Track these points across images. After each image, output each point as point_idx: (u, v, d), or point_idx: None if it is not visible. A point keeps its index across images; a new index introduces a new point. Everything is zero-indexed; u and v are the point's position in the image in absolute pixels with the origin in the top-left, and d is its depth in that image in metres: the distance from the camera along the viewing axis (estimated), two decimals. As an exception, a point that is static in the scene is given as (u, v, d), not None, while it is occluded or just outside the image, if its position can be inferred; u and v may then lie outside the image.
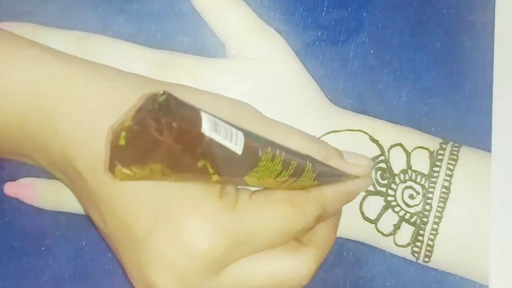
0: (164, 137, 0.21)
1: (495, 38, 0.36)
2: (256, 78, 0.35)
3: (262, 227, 0.28)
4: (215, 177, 0.24)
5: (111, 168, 0.22)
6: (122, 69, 0.34)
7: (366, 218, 0.34)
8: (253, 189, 0.29)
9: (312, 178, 0.29)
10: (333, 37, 0.37)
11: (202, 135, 0.22)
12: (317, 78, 0.36)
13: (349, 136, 0.35)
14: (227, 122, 0.24)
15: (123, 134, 0.22)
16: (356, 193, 0.33)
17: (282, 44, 0.36)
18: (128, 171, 0.22)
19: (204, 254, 0.27)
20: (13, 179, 0.35)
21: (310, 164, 0.29)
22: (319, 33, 0.37)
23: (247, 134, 0.25)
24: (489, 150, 0.35)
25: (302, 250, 0.30)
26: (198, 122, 0.22)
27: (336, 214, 0.33)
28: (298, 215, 0.29)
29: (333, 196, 0.31)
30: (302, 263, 0.30)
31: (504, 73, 0.36)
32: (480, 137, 0.35)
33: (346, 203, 0.33)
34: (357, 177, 0.33)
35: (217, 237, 0.27)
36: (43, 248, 0.36)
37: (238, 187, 0.29)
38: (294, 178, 0.28)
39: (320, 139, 0.33)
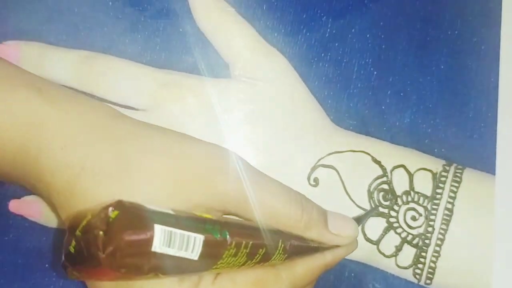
0: (106, 260, 0.22)
1: (500, 59, 0.36)
2: (259, 98, 0.35)
3: None
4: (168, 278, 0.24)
5: (64, 266, 0.23)
6: (127, 90, 0.35)
7: (368, 239, 0.34)
8: None
9: (283, 258, 0.29)
10: (337, 58, 0.37)
11: (152, 253, 0.22)
12: (320, 99, 0.36)
13: (352, 157, 0.35)
14: (187, 221, 0.24)
15: (73, 243, 0.23)
16: (335, 263, 0.32)
17: (285, 64, 0.36)
18: (77, 274, 0.23)
19: None
20: (18, 196, 0.36)
21: (283, 245, 0.28)
22: (323, 54, 0.37)
23: (210, 233, 0.24)
24: (493, 173, 0.35)
25: None
26: (149, 239, 0.22)
27: (310, 284, 0.32)
28: None
29: (306, 271, 0.30)
30: None
31: (509, 95, 0.35)
32: (484, 160, 0.35)
33: (322, 273, 0.32)
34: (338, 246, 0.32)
35: None
36: (47, 265, 0.36)
37: None
38: (262, 262, 0.28)
39: (308, 199, 0.31)
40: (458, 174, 0.34)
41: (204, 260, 0.25)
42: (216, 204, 0.28)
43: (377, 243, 0.34)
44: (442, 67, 0.36)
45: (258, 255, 0.27)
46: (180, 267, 0.24)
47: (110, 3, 0.36)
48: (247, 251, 0.26)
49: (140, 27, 0.36)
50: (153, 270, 0.23)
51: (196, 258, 0.24)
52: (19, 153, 0.29)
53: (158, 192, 0.27)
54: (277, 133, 0.34)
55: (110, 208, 0.22)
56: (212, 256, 0.25)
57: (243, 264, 0.27)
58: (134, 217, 0.22)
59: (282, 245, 0.28)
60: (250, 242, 0.26)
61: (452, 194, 0.34)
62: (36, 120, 0.29)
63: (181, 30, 0.36)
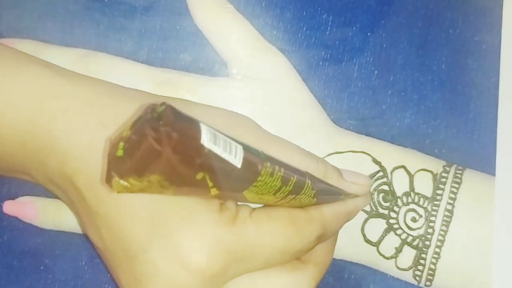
0: (162, 147, 0.21)
1: (501, 59, 0.36)
2: (258, 97, 0.35)
3: (261, 245, 0.28)
4: (213, 191, 0.23)
5: (108, 180, 0.22)
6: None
7: (367, 241, 0.34)
8: (254, 206, 0.29)
9: (312, 195, 0.29)
10: (337, 57, 0.36)
11: (202, 147, 0.22)
12: (320, 98, 0.36)
13: (352, 157, 0.35)
14: (226, 135, 0.23)
15: (121, 144, 0.22)
16: (355, 212, 0.33)
17: (285, 63, 0.35)
18: (125, 183, 0.22)
19: (201, 269, 0.26)
20: (13, 197, 0.35)
21: (310, 181, 0.29)
22: (323, 53, 0.36)
23: (247, 148, 0.24)
24: (493, 174, 0.35)
25: (301, 268, 0.30)
26: (197, 133, 0.22)
27: (335, 234, 0.32)
28: (298, 235, 0.28)
29: (333, 215, 0.31)
30: (302, 281, 0.29)
31: (509, 95, 0.35)
32: (484, 160, 0.35)
33: (346, 222, 0.32)
34: (356, 196, 0.33)
35: (214, 252, 0.27)
36: (42, 268, 0.36)
37: (238, 203, 0.29)
38: (294, 195, 0.28)
39: (321, 158, 0.33)
40: (459, 175, 0.34)
41: (246, 171, 0.24)
42: None
43: (377, 244, 0.34)
44: (443, 66, 0.36)
45: (291, 182, 0.27)
46: (226, 172, 0.23)
47: (106, 0, 0.36)
48: (281, 174, 0.26)
49: (136, 25, 0.36)
50: (203, 168, 0.22)
51: (239, 165, 0.23)
52: (29, 128, 0.28)
53: None
54: (276, 133, 0.34)
55: (158, 104, 0.22)
56: (252, 168, 0.24)
57: (278, 190, 0.26)
58: (180, 112, 0.22)
59: (309, 181, 0.28)
60: (282, 168, 0.26)
61: (453, 195, 0.34)
62: (49, 91, 0.28)
63: (178, 27, 0.36)
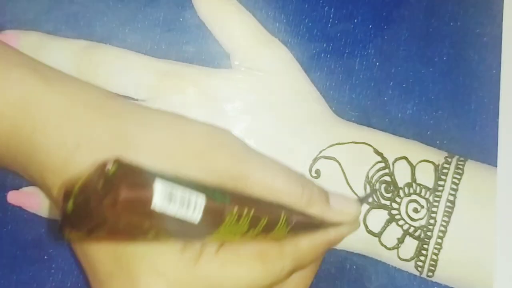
0: (107, 214, 0.21)
1: (502, 51, 0.36)
2: (260, 89, 0.35)
3: (226, 284, 0.27)
4: (169, 241, 0.24)
5: (60, 229, 0.22)
6: (127, 80, 0.34)
7: (369, 231, 0.34)
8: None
9: (286, 231, 0.28)
10: (339, 49, 0.36)
11: (152, 210, 0.22)
12: (322, 90, 0.36)
13: (354, 148, 0.35)
14: (186, 185, 0.23)
15: (71, 200, 0.22)
16: (339, 240, 0.32)
17: (287, 55, 0.35)
18: (74, 235, 0.22)
19: None
20: (17, 187, 0.35)
21: (286, 216, 0.28)
22: (325, 45, 0.36)
23: (211, 195, 0.24)
24: (495, 165, 0.34)
25: None
26: (148, 195, 0.22)
27: (315, 262, 0.32)
28: (267, 272, 0.28)
29: (310, 247, 0.30)
30: None
31: (511, 87, 0.35)
32: (486, 151, 0.35)
33: (327, 250, 0.32)
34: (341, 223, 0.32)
35: None
36: (46, 257, 0.36)
37: None
38: (265, 233, 0.27)
39: (308, 179, 0.32)
40: (460, 166, 0.34)
41: (206, 223, 0.24)
42: (215, 181, 0.28)
43: (378, 235, 0.34)
44: (444, 58, 0.36)
45: (260, 224, 0.26)
46: (182, 227, 0.23)
47: (110, -8, 0.36)
48: (249, 218, 0.26)
49: (140, 17, 0.36)
50: (153, 228, 0.22)
51: (197, 220, 0.23)
52: (13, 133, 0.29)
53: (156, 167, 0.27)
54: (278, 124, 0.34)
55: (109, 164, 0.22)
56: (214, 219, 0.24)
57: (246, 232, 0.26)
58: (133, 171, 0.22)
59: (285, 217, 0.28)
60: (252, 210, 0.26)
61: (454, 186, 0.34)
62: (30, 99, 0.28)
63: (181, 19, 0.36)
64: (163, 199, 0.22)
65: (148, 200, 0.22)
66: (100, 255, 0.27)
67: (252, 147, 0.31)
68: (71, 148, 0.28)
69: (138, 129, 0.28)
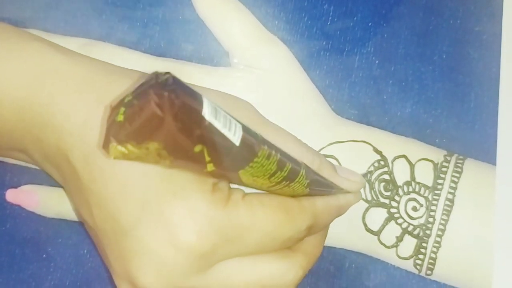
0: (164, 114, 0.20)
1: (502, 49, 0.36)
2: (259, 87, 0.35)
3: (252, 228, 0.27)
4: (210, 167, 0.23)
5: (105, 145, 0.21)
6: None
7: (368, 230, 0.34)
8: (247, 191, 0.29)
9: (305, 185, 0.29)
10: (338, 47, 0.36)
11: (202, 118, 0.21)
12: (321, 88, 0.36)
13: (353, 147, 0.35)
14: (227, 113, 0.23)
15: (122, 109, 0.21)
16: (346, 208, 0.33)
17: (286, 53, 0.35)
18: (123, 149, 0.21)
19: (190, 248, 0.26)
20: (15, 186, 0.35)
21: (304, 170, 0.28)
22: (324, 43, 0.36)
23: (245, 129, 0.24)
24: (494, 163, 0.34)
25: (290, 256, 0.29)
26: (199, 105, 0.22)
27: (325, 227, 0.32)
28: (289, 222, 0.28)
29: (324, 208, 0.31)
30: (290, 268, 0.29)
31: (510, 85, 0.35)
32: (485, 150, 0.35)
33: (337, 217, 0.32)
34: (348, 192, 0.33)
35: (205, 232, 0.26)
36: (44, 256, 0.36)
37: (232, 186, 0.29)
38: (288, 182, 0.28)
39: (316, 150, 0.33)
40: (459, 165, 0.34)
41: (243, 151, 0.24)
42: None
43: (377, 233, 0.34)
44: (444, 56, 0.36)
45: (286, 168, 0.27)
46: (224, 149, 0.23)
47: (108, -11, 0.36)
48: (277, 159, 0.26)
49: (138, 14, 0.36)
50: (202, 141, 0.22)
51: (237, 143, 0.23)
52: (28, 101, 0.28)
53: None
54: (277, 122, 0.34)
55: (162, 72, 0.21)
56: (250, 148, 0.24)
57: (273, 175, 0.26)
58: (183, 83, 0.22)
59: (304, 170, 0.28)
60: (279, 153, 0.26)
61: (453, 185, 0.34)
62: (49, 67, 0.28)
63: (180, 17, 0.36)
64: (211, 112, 0.22)
65: (199, 108, 0.21)
66: (126, 203, 0.27)
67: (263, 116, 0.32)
68: (93, 106, 0.28)
69: None
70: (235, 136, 0.23)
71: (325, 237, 0.33)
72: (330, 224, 0.33)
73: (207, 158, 0.23)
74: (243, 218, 0.27)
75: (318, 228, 0.31)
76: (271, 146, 0.26)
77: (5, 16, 0.35)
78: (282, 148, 0.27)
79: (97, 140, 0.27)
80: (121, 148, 0.21)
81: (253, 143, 0.24)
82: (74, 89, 0.28)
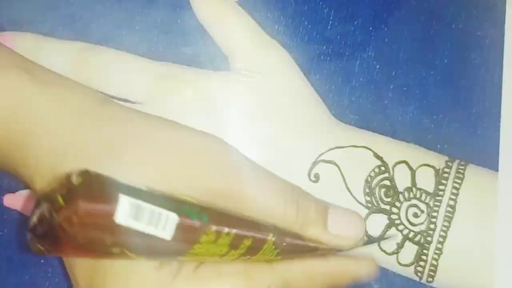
0: (66, 226, 0.21)
1: (504, 54, 0.35)
2: (259, 92, 0.34)
3: None
4: (138, 258, 0.23)
5: (28, 238, 0.22)
6: (124, 83, 0.34)
7: (369, 236, 0.34)
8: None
9: (274, 254, 0.27)
10: (338, 51, 0.36)
11: (115, 225, 0.21)
12: (321, 93, 0.35)
13: (353, 152, 0.34)
14: (160, 200, 0.23)
15: (36, 212, 0.22)
16: (347, 275, 0.29)
17: (286, 57, 0.35)
18: (42, 248, 0.22)
19: None
20: (13, 191, 0.35)
21: (274, 239, 0.27)
22: (324, 47, 0.36)
23: (187, 214, 0.23)
24: (496, 169, 0.34)
25: None
26: (110, 209, 0.21)
27: None
28: (251, 287, 0.27)
29: (303, 274, 0.28)
30: None
31: (512, 90, 0.35)
32: (487, 156, 0.35)
33: (330, 285, 0.29)
34: (343, 249, 0.30)
35: None
36: (42, 261, 0.36)
37: None
38: (248, 256, 0.26)
39: (305, 194, 0.31)
40: (461, 171, 0.34)
41: (179, 242, 0.23)
42: (203, 197, 0.27)
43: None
44: (445, 61, 0.36)
45: (243, 245, 0.25)
46: (151, 245, 0.23)
47: (107, -7, 0.36)
48: (230, 240, 0.25)
49: (137, 18, 0.36)
50: (118, 245, 0.22)
51: (169, 238, 0.23)
52: (5, 136, 0.29)
53: (141, 180, 0.26)
54: (277, 127, 0.34)
55: (75, 175, 0.21)
56: (187, 238, 0.24)
57: (225, 254, 0.25)
58: (98, 185, 0.22)
59: (273, 239, 0.27)
60: (234, 231, 0.25)
61: (455, 191, 0.33)
62: (22, 103, 0.28)
63: (179, 21, 0.36)
64: (128, 214, 0.22)
65: (110, 214, 0.21)
66: (80, 269, 0.27)
67: (245, 160, 0.30)
68: (60, 154, 0.28)
69: (127, 140, 0.28)
70: (165, 231, 0.22)
71: None
72: None
73: (131, 255, 0.23)
74: None
75: None
76: (224, 222, 0.24)
77: (2, 18, 0.35)
78: (260, 203, 0.26)
79: None
80: (40, 247, 0.22)
81: (193, 231, 0.23)
82: (45, 130, 0.28)
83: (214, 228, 0.24)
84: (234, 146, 0.29)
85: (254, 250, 0.26)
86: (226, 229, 0.25)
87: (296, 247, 0.28)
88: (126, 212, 0.22)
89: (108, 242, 0.22)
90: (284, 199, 0.29)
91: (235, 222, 0.25)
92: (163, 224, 0.23)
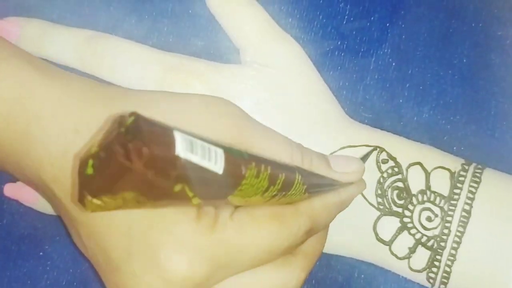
0: (133, 164, 0.20)
1: (525, 55, 0.35)
2: (270, 86, 0.34)
3: (245, 247, 0.27)
4: (195, 201, 0.22)
5: (81, 199, 0.21)
6: (132, 73, 0.34)
7: (379, 239, 0.33)
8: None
9: (303, 191, 0.28)
10: (353, 47, 0.36)
11: (177, 158, 0.21)
12: (334, 90, 0.35)
13: (366, 152, 0.34)
14: (204, 139, 0.22)
15: (90, 162, 0.21)
16: (350, 201, 0.32)
17: (299, 52, 0.35)
18: (99, 202, 0.21)
19: (183, 280, 0.26)
20: (14, 180, 0.34)
21: (300, 176, 0.27)
22: (339, 43, 0.36)
23: (228, 151, 0.23)
24: (514, 174, 0.34)
25: (290, 262, 0.29)
26: (171, 144, 0.21)
27: (326, 227, 0.31)
28: (285, 232, 0.28)
29: (323, 208, 0.30)
30: (291, 275, 0.29)
31: (533, 93, 0.34)
32: (505, 159, 0.34)
33: (339, 212, 0.31)
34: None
35: (195, 262, 0.26)
36: (41, 253, 0.35)
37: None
38: (284, 192, 0.27)
39: (305, 148, 0.31)
40: (478, 174, 0.33)
41: (229, 176, 0.23)
42: None
43: (389, 244, 0.33)
44: (464, 60, 0.36)
45: (279, 180, 0.26)
46: (207, 180, 0.22)
47: (117, -20, 0.36)
48: (268, 173, 0.25)
49: (147, 7, 0.36)
50: (181, 180, 0.21)
51: (220, 171, 0.22)
52: (6, 128, 0.28)
53: None
54: (288, 123, 0.33)
55: (126, 115, 0.21)
56: (236, 172, 0.24)
57: (266, 190, 0.25)
58: (151, 122, 0.21)
59: (300, 176, 0.27)
60: (269, 166, 0.25)
61: (471, 195, 0.33)
62: (25, 91, 0.28)
63: (190, 11, 0.36)
64: (185, 147, 0.21)
65: (172, 147, 0.21)
66: (114, 238, 0.27)
67: (249, 116, 0.31)
68: (70, 135, 0.27)
69: (137, 107, 0.27)
70: (216, 165, 0.22)
71: (326, 234, 0.32)
72: (338, 233, 0.33)
73: (190, 194, 0.22)
74: (234, 239, 0.27)
75: (319, 229, 0.30)
76: (260, 160, 0.25)
77: (10, 4, 0.35)
78: (271, 151, 0.27)
79: (72, 180, 0.27)
80: (96, 201, 0.21)
81: (238, 166, 0.24)
82: (50, 115, 0.28)
83: (253, 163, 0.24)
84: (234, 104, 0.31)
85: (287, 185, 0.27)
86: (263, 165, 0.25)
87: (318, 183, 0.30)
88: (183, 145, 0.21)
89: (172, 176, 0.21)
90: (290, 146, 0.30)
91: (267, 161, 0.26)
92: (214, 158, 0.22)
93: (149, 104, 0.29)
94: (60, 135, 0.28)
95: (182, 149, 0.21)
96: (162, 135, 0.21)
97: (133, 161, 0.20)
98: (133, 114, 0.21)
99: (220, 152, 0.23)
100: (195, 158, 0.21)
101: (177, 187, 0.21)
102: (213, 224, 0.26)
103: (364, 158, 0.33)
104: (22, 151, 0.28)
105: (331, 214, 0.31)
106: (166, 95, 0.30)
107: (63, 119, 0.28)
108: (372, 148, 0.33)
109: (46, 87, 0.28)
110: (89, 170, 0.21)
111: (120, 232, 0.27)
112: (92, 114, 0.28)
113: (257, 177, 0.24)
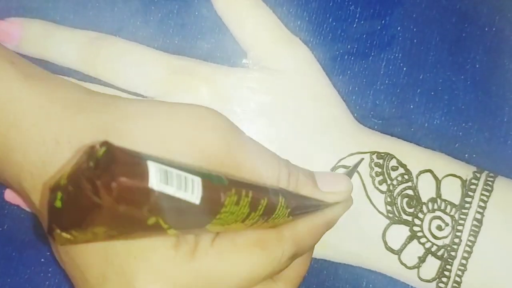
0: (103, 200, 0.19)
1: (539, 60, 0.35)
2: (278, 90, 0.33)
3: (225, 276, 0.26)
4: (171, 232, 0.22)
5: (50, 232, 0.21)
6: (136, 76, 0.34)
7: (388, 248, 0.33)
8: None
9: (286, 214, 0.27)
10: (363, 51, 0.35)
11: (150, 190, 0.20)
12: (344, 94, 0.35)
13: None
14: (181, 167, 0.22)
15: (59, 195, 0.20)
16: (336, 221, 0.31)
17: (307, 55, 0.34)
18: (68, 236, 0.21)
19: None
20: (15, 185, 0.34)
21: (283, 199, 0.27)
22: (349, 46, 0.35)
23: (207, 177, 0.23)
24: (527, 182, 0.33)
25: (271, 287, 0.28)
26: (144, 175, 0.20)
27: (311, 249, 0.31)
28: (268, 258, 0.27)
29: (308, 231, 0.29)
30: None
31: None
32: (518, 168, 0.34)
33: (324, 233, 0.31)
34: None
35: None
36: (42, 260, 0.35)
37: None
38: (266, 217, 0.26)
39: (293, 163, 0.31)
40: (490, 183, 0.33)
41: (207, 206, 0.23)
42: (205, 165, 0.27)
43: (398, 253, 0.33)
44: (477, 65, 0.35)
45: (261, 206, 0.25)
46: (183, 211, 0.22)
47: (122, -19, 0.35)
48: (249, 200, 0.24)
49: (152, 9, 0.35)
50: (154, 213, 0.21)
51: (197, 201, 0.22)
52: None
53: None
54: (296, 128, 0.33)
55: (98, 146, 0.20)
56: (214, 200, 0.23)
57: (247, 217, 0.25)
58: (124, 153, 0.20)
59: (283, 199, 0.27)
60: (250, 191, 0.25)
61: (482, 204, 0.32)
62: (6, 95, 0.27)
63: (196, 13, 0.35)
64: (159, 179, 0.21)
65: (145, 179, 0.20)
66: (90, 258, 0.26)
67: (240, 130, 0.30)
68: (50, 145, 0.27)
69: (121, 121, 0.27)
70: (193, 195, 0.22)
71: (311, 256, 0.31)
72: (346, 241, 0.32)
73: (165, 226, 0.22)
74: (214, 268, 0.26)
75: (303, 253, 0.29)
76: (240, 186, 0.24)
77: (12, 5, 0.34)
78: (258, 169, 0.27)
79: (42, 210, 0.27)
80: (66, 235, 0.21)
81: (217, 193, 0.23)
82: (31, 123, 0.27)
83: (233, 190, 0.24)
84: (224, 116, 0.30)
85: (270, 210, 0.26)
86: (243, 190, 0.24)
87: (303, 205, 0.29)
88: (157, 177, 0.21)
89: (145, 210, 0.21)
90: (277, 162, 0.29)
91: (248, 185, 0.25)
92: (191, 188, 0.22)
93: (134, 116, 0.28)
94: (40, 145, 0.27)
95: (156, 181, 0.20)
96: (135, 166, 0.20)
97: (102, 197, 0.19)
98: (104, 144, 0.20)
99: (197, 180, 0.22)
100: (170, 190, 0.21)
101: (151, 220, 0.21)
102: (192, 251, 0.26)
103: (353, 169, 0.33)
104: (4, 158, 0.28)
105: (316, 237, 0.30)
106: (153, 106, 0.29)
107: (44, 128, 0.27)
108: (360, 159, 0.33)
109: (29, 92, 0.28)
110: (58, 203, 0.20)
111: (97, 253, 0.26)
112: (74, 125, 0.27)
113: (237, 204, 0.24)
